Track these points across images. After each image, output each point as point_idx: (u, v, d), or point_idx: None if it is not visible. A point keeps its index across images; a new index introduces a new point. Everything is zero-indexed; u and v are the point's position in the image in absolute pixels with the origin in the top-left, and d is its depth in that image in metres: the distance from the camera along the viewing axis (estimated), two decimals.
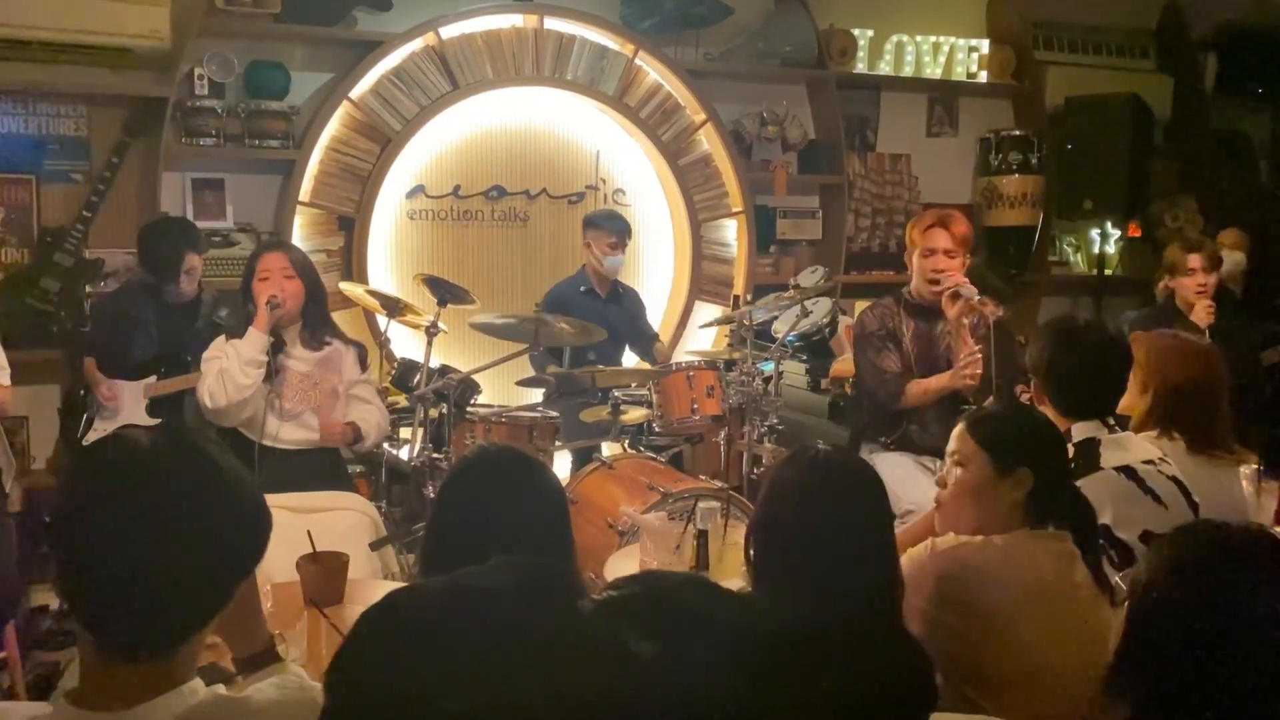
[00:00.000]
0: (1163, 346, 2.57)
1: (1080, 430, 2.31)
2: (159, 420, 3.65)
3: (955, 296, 3.27)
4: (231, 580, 1.20)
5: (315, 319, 3.35)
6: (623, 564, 2.62)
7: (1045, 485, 1.92)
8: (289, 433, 3.26)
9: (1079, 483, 2.18)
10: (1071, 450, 2.26)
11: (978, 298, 3.22)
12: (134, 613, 1.11)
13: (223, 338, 3.25)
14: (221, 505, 1.17)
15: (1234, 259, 4.76)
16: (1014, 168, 5.65)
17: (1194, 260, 4.11)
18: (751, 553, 1.74)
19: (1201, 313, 4.02)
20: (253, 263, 3.31)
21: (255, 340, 3.15)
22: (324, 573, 2.28)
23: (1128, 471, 2.23)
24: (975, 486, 1.95)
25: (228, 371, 3.13)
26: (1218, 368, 2.72)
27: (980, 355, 3.15)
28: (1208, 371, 2.69)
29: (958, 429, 2.01)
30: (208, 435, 1.31)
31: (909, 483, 3.18)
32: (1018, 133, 5.69)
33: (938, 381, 3.33)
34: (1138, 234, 6.00)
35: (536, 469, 1.78)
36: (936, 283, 3.36)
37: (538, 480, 1.75)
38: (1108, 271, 5.79)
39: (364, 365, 3.43)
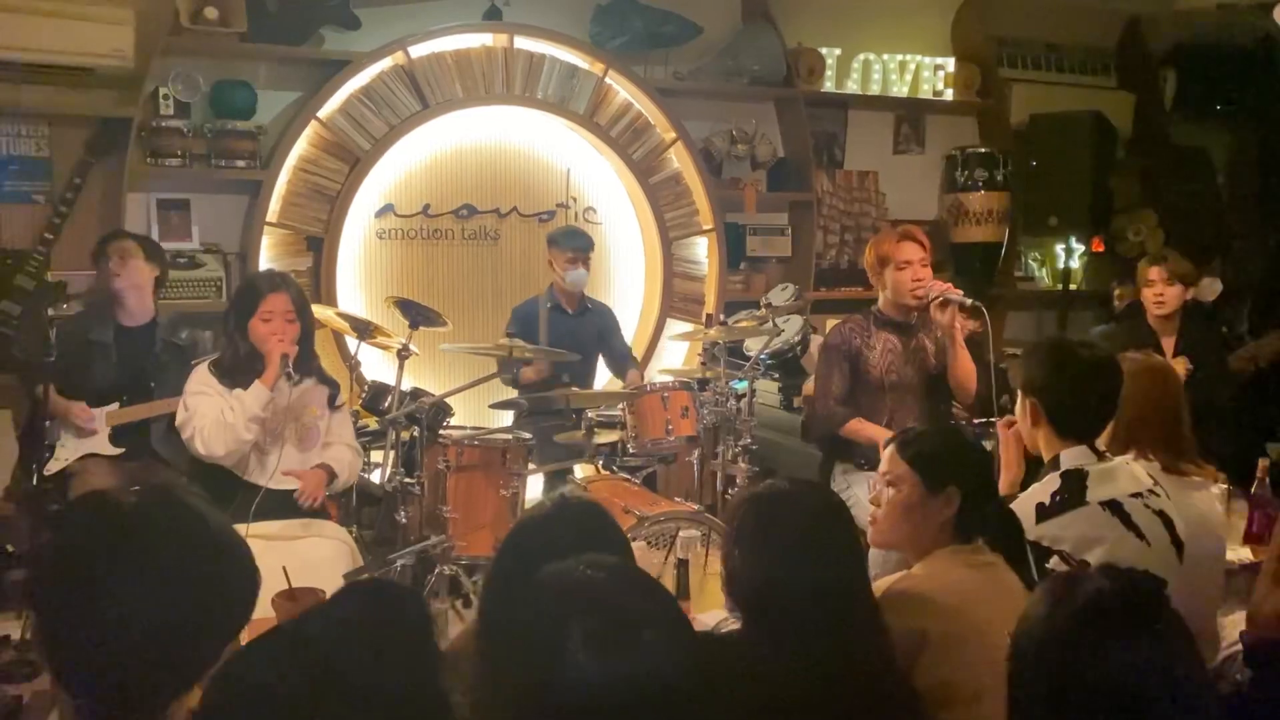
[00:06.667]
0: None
1: (1069, 458, 2.27)
2: (123, 450, 3.59)
3: (945, 304, 3.30)
4: (219, 644, 1.18)
5: (304, 355, 3.23)
6: None
7: (972, 502, 1.97)
8: (267, 471, 3.13)
9: (1066, 516, 2.18)
10: (1059, 480, 2.24)
11: (970, 301, 3.25)
12: (119, 680, 1.09)
13: (205, 369, 3.14)
14: (210, 569, 1.15)
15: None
16: (980, 184, 5.70)
17: (1153, 273, 4.16)
18: (731, 597, 1.74)
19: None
20: (253, 299, 3.13)
21: (260, 396, 3.04)
22: (300, 611, 2.23)
23: (1113, 506, 2.19)
24: (906, 506, 2.00)
25: (232, 426, 3.01)
26: (1173, 384, 2.74)
27: None
28: (1164, 388, 2.70)
29: (888, 449, 2.07)
30: (192, 490, 1.27)
31: None
32: (983, 150, 5.75)
33: (877, 433, 3.30)
34: (1101, 249, 6.07)
35: (609, 527, 1.69)
36: (919, 294, 3.37)
37: (610, 538, 1.66)
38: (1072, 286, 5.86)
39: (334, 405, 3.33)
